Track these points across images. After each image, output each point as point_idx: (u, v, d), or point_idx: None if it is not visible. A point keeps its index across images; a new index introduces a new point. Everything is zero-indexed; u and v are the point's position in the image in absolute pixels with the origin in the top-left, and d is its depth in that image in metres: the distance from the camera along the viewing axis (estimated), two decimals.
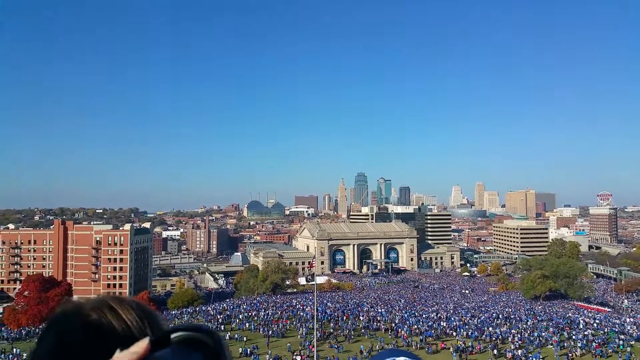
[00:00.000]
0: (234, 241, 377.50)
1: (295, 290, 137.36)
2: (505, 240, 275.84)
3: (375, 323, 77.97)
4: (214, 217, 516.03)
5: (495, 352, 60.18)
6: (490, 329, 73.00)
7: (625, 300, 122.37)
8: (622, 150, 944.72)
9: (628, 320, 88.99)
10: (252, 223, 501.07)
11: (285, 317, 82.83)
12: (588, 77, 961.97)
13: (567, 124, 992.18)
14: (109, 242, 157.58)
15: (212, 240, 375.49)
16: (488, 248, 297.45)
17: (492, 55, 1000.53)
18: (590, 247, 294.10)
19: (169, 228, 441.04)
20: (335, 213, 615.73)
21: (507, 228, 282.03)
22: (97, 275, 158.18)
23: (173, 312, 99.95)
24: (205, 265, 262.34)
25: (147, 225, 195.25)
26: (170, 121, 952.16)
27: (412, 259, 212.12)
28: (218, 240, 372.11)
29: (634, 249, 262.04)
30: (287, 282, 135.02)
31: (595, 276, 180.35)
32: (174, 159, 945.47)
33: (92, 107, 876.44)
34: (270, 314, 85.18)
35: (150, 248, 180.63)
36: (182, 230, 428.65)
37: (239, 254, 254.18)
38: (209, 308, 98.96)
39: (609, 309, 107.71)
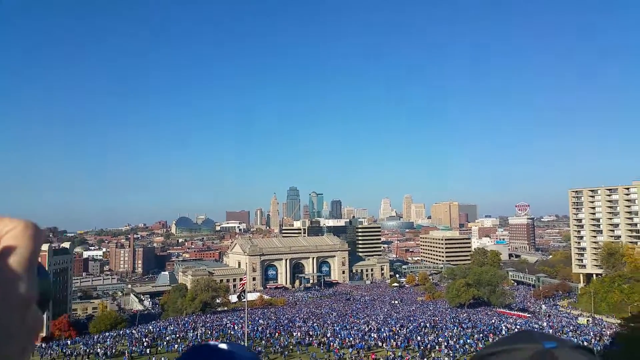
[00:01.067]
0: (161, 260, 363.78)
1: (226, 308, 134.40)
2: (431, 250, 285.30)
3: (307, 338, 77.67)
4: (139, 235, 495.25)
5: None
6: (419, 338, 74.87)
7: (543, 306, 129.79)
8: (538, 162, 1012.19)
9: (546, 324, 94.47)
10: (180, 240, 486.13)
11: (215, 336, 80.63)
12: (505, 90, 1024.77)
13: (487, 137, 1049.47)
14: None
15: (137, 260, 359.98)
16: (416, 258, 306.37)
17: (416, 69, 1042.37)
18: (510, 255, 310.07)
19: (91, 248, 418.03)
20: (268, 228, 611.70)
21: (433, 239, 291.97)
22: None
23: (95, 336, 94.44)
24: (129, 286, 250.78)
25: (66, 245, 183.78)
26: (89, 133, 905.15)
27: (343, 272, 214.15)
28: (144, 259, 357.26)
29: (550, 256, 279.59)
30: (218, 301, 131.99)
31: (515, 283, 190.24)
32: (96, 174, 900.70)
33: (6, 113, 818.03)
34: (199, 334, 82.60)
35: (70, 269, 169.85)
36: (104, 249, 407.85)
37: (166, 273, 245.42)
38: (133, 331, 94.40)
39: (529, 315, 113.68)
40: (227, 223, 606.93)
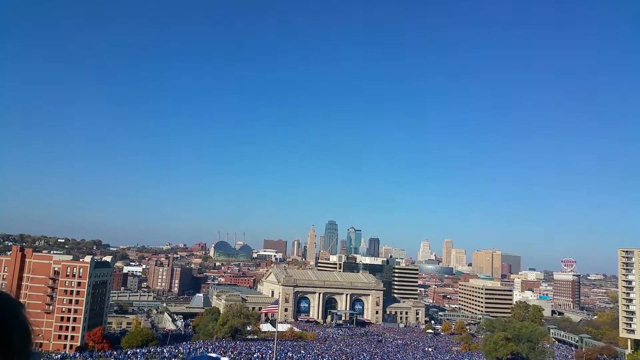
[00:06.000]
0: (197, 281, 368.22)
1: (256, 336, 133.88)
2: (470, 299, 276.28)
3: None
4: (179, 255, 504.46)
5: None
6: None
7: None
8: (586, 220, 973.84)
9: None
10: (217, 264, 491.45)
11: None
12: (554, 146, 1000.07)
13: (534, 189, 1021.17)
14: (67, 273, 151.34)
15: (174, 279, 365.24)
16: (453, 306, 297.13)
17: (464, 114, 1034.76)
18: (553, 312, 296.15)
19: (131, 263, 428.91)
20: (304, 259, 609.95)
21: (473, 287, 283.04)
22: (51, 307, 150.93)
23: (127, 351, 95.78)
24: (164, 304, 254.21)
25: (108, 258, 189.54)
26: (138, 156, 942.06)
27: (377, 312, 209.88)
28: (181, 279, 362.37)
29: (596, 317, 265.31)
30: (248, 328, 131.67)
31: (556, 341, 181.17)
32: (142, 193, 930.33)
33: (60, 135, 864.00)
34: None
35: (109, 283, 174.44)
36: (144, 266, 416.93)
37: (200, 295, 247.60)
38: (164, 350, 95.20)
39: None
40: (264, 251, 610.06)
